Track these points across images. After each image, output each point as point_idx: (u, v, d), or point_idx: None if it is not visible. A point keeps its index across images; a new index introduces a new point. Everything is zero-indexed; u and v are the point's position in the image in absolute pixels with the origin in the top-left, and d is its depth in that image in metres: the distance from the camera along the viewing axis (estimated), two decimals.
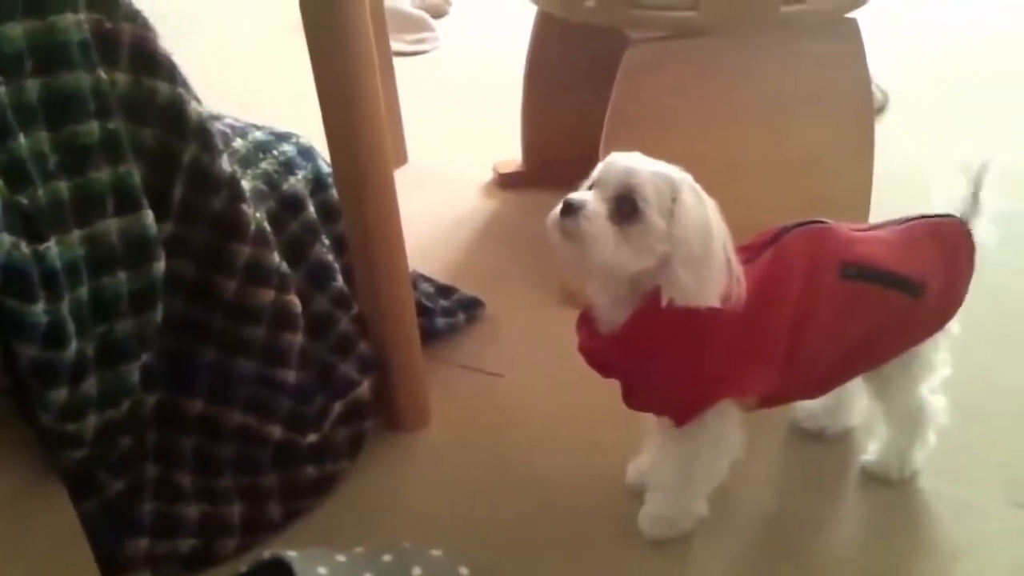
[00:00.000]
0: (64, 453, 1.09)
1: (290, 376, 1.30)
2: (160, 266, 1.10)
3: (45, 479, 1.09)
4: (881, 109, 2.53)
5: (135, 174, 1.06)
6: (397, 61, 2.29)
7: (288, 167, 1.37)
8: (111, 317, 1.07)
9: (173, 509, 1.22)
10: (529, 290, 1.82)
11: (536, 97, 2.11)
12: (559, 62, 2.03)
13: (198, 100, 1.14)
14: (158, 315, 1.12)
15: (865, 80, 1.69)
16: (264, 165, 1.33)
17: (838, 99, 1.70)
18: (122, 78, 1.05)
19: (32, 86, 0.96)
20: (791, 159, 1.69)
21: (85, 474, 1.14)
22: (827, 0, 1.58)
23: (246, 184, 1.23)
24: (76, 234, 1.01)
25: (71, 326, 1.01)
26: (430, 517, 1.31)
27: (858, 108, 1.72)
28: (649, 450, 1.30)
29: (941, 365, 1.24)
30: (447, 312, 1.70)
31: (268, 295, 1.24)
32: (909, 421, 1.28)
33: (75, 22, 0.99)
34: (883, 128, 2.03)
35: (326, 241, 1.41)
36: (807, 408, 1.41)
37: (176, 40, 1.15)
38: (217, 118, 1.30)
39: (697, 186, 1.05)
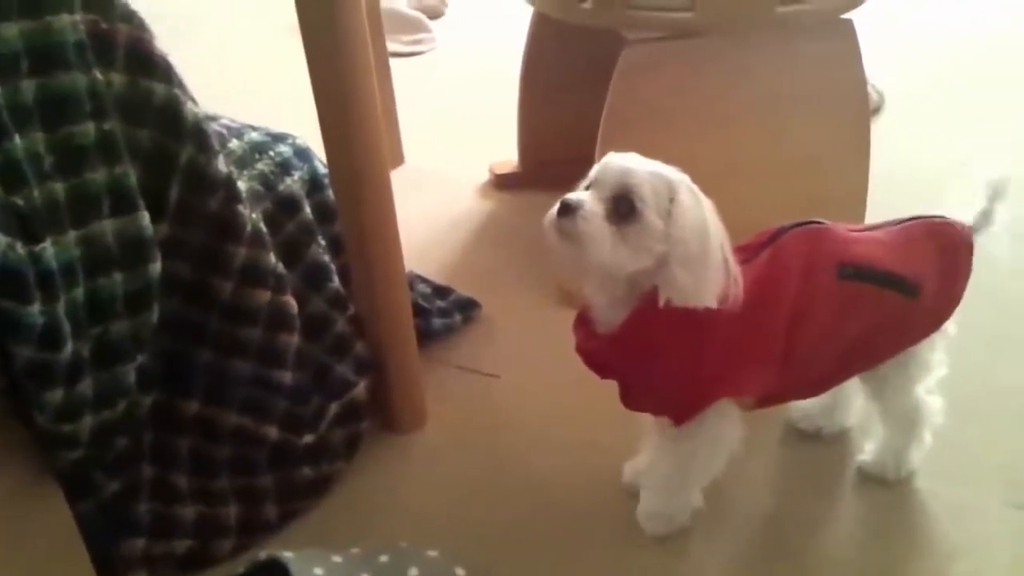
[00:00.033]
0: (60, 454, 1.08)
1: (286, 377, 1.29)
2: (156, 267, 1.10)
3: (41, 480, 1.09)
4: (877, 110, 2.53)
5: (131, 175, 1.06)
6: (393, 62, 2.29)
7: (284, 168, 1.36)
8: (107, 318, 1.07)
9: (169, 510, 1.22)
10: (525, 291, 1.82)
11: (532, 98, 2.12)
12: (555, 63, 2.03)
13: (194, 101, 1.14)
14: (154, 316, 1.12)
15: (861, 80, 1.69)
16: (260, 166, 1.33)
17: (834, 100, 1.70)
18: (118, 79, 1.05)
19: (28, 87, 0.96)
20: (787, 159, 1.69)
21: (81, 475, 1.13)
22: (823, 1, 1.59)
23: (242, 185, 1.23)
24: (72, 235, 1.01)
25: (67, 327, 1.00)
26: (426, 518, 1.31)
27: (854, 109, 1.72)
28: (646, 450, 1.30)
29: (937, 365, 1.24)
30: (443, 313, 1.70)
31: (264, 296, 1.23)
32: (905, 421, 1.28)
33: (71, 23, 0.99)
34: (879, 128, 2.04)
35: (322, 242, 1.41)
36: (803, 408, 1.41)
37: (173, 41, 1.15)
38: (213, 119, 1.29)
39: (694, 186, 1.05)
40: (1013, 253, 1.16)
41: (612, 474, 1.34)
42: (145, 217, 1.08)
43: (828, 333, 1.14)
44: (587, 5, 1.58)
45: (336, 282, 1.41)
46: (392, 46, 2.76)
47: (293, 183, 1.36)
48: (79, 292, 1.03)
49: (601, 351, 1.13)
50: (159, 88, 1.08)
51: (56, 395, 1.02)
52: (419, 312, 1.58)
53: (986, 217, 1.19)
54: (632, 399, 1.19)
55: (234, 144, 1.32)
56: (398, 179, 1.35)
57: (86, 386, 1.06)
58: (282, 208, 1.34)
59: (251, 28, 3.51)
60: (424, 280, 1.77)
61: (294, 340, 1.29)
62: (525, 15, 1.99)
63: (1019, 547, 1.23)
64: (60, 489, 1.09)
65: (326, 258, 1.40)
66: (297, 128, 1.46)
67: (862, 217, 1.71)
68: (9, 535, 1.04)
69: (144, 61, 1.07)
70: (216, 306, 1.21)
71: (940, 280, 1.16)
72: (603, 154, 1.08)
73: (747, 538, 1.27)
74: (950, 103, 2.64)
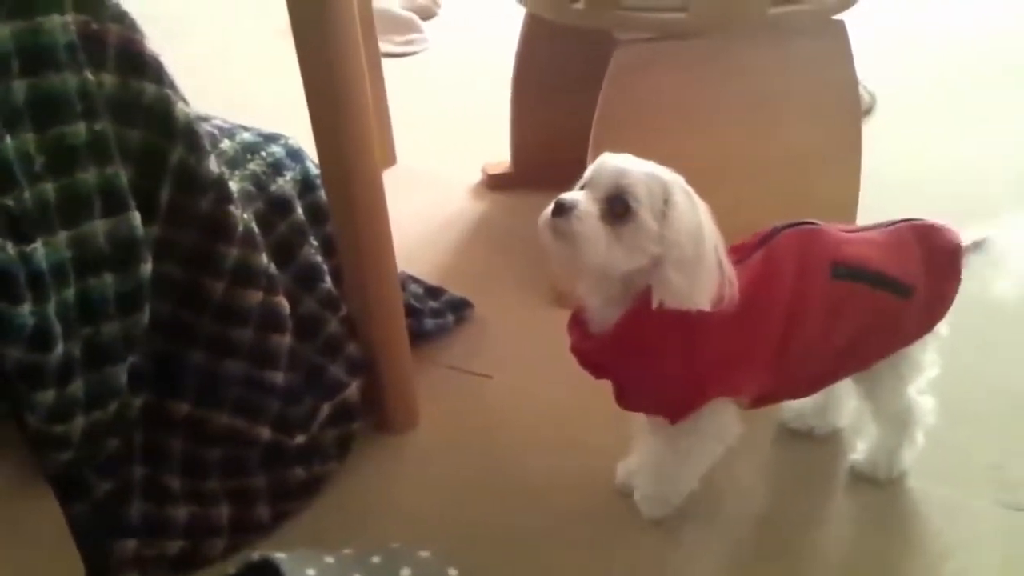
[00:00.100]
0: (51, 455, 1.08)
1: (278, 377, 1.29)
2: (147, 268, 1.10)
3: (33, 481, 1.09)
4: (868, 111, 2.54)
5: (122, 175, 1.06)
6: (386, 62, 2.29)
7: (276, 168, 1.36)
8: (98, 319, 1.06)
9: (161, 511, 1.22)
10: (518, 291, 1.82)
11: (525, 99, 2.11)
12: (548, 64, 2.03)
13: (185, 101, 1.13)
14: (145, 317, 1.12)
15: (852, 82, 1.69)
16: (252, 166, 1.33)
17: (826, 101, 1.70)
18: (109, 79, 1.05)
19: (19, 87, 0.96)
20: (779, 160, 1.69)
21: (73, 476, 1.13)
22: (815, 2, 1.59)
23: (234, 185, 1.23)
24: (63, 235, 1.01)
25: (58, 328, 1.00)
26: (419, 518, 1.31)
27: (846, 110, 1.72)
28: (638, 450, 1.30)
29: (929, 366, 1.24)
30: (436, 313, 1.70)
31: (256, 296, 1.23)
32: (897, 421, 1.28)
33: (62, 23, 0.99)
34: (871, 129, 2.04)
35: (314, 242, 1.41)
36: (795, 408, 1.41)
37: (165, 42, 1.15)
38: (205, 119, 1.29)
39: (689, 188, 1.05)
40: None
41: (605, 474, 1.34)
42: (136, 217, 1.08)
43: (822, 333, 1.14)
44: (579, 6, 1.58)
45: (328, 283, 1.41)
46: (384, 46, 2.76)
47: (285, 183, 1.36)
48: (70, 293, 1.03)
49: (595, 351, 1.13)
50: (150, 88, 1.08)
51: (47, 396, 1.02)
52: (411, 312, 1.58)
53: (978, 246, 1.19)
54: (627, 399, 1.19)
55: (226, 144, 1.32)
56: (390, 180, 1.35)
57: (77, 387, 1.06)
58: (274, 208, 1.33)
59: (244, 29, 3.51)
60: (416, 280, 1.77)
61: (286, 341, 1.29)
62: (517, 16, 1.99)
63: (1009, 546, 1.23)
64: (52, 490, 1.09)
65: (318, 259, 1.40)
66: (289, 129, 1.46)
67: (854, 218, 1.72)
68: (1, 536, 1.04)
69: (135, 61, 1.07)
70: (208, 307, 1.21)
71: (931, 281, 1.16)
72: (596, 155, 1.08)
73: (739, 537, 1.28)
74: (947, 104, 2.65)
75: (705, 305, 1.03)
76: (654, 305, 1.04)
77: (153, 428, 1.23)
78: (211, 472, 1.28)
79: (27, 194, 0.96)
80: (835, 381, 1.26)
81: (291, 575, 1.02)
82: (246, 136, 1.37)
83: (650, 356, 1.11)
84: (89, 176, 1.03)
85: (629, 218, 1.01)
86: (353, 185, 1.27)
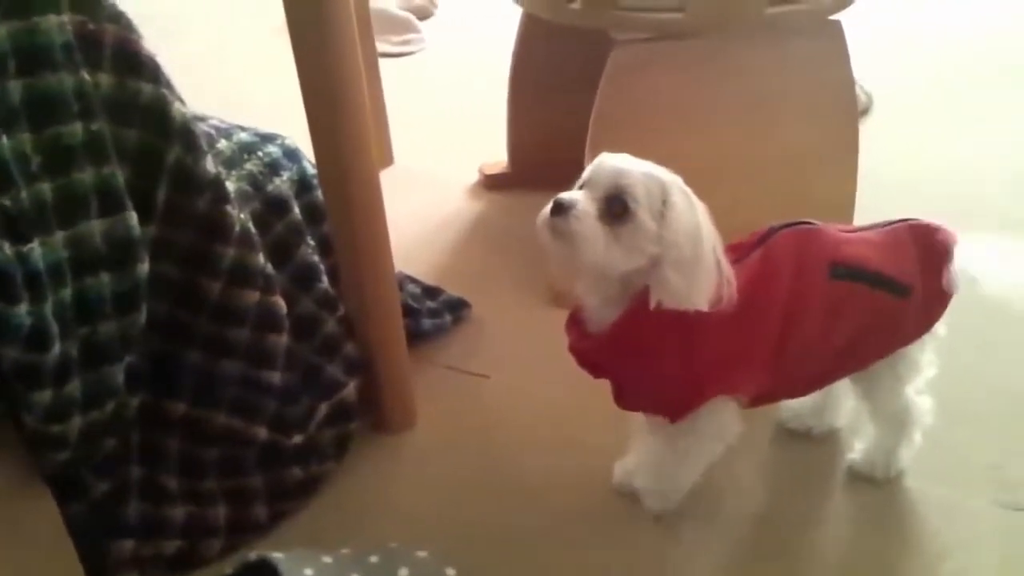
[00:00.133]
0: (48, 455, 1.08)
1: (275, 377, 1.29)
2: (144, 267, 1.10)
3: (30, 481, 1.09)
4: (865, 111, 2.53)
5: (119, 175, 1.06)
6: (383, 62, 2.29)
7: (273, 168, 1.36)
8: (95, 319, 1.06)
9: (158, 511, 1.22)
10: (515, 291, 1.82)
11: (522, 99, 2.11)
12: (545, 64, 2.03)
13: (182, 101, 1.13)
14: (142, 317, 1.12)
15: (849, 82, 1.69)
16: (249, 166, 1.33)
17: (823, 101, 1.70)
18: (105, 79, 1.05)
19: (15, 87, 0.96)
20: (776, 160, 1.69)
21: (70, 476, 1.13)
22: (812, 2, 1.59)
23: (231, 185, 1.23)
24: (59, 235, 1.01)
25: (54, 328, 1.00)
26: (417, 518, 1.31)
27: (842, 110, 1.72)
28: (635, 450, 1.30)
29: (927, 366, 1.24)
30: (433, 313, 1.70)
31: (253, 296, 1.23)
32: (895, 421, 1.28)
33: (58, 23, 0.99)
34: (868, 130, 2.04)
35: (311, 242, 1.41)
36: (793, 408, 1.41)
37: (162, 41, 1.15)
38: (202, 119, 1.29)
39: (687, 188, 1.05)
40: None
41: (602, 474, 1.34)
42: (133, 217, 1.08)
43: (820, 333, 1.14)
44: (576, 6, 1.58)
45: (325, 282, 1.41)
46: (381, 47, 2.76)
47: (282, 183, 1.36)
48: (67, 293, 1.03)
49: (593, 351, 1.13)
50: (146, 88, 1.08)
51: (44, 396, 1.02)
52: (409, 312, 1.58)
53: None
54: (625, 399, 1.19)
55: (222, 144, 1.32)
56: (387, 180, 1.34)
57: (74, 387, 1.06)
58: (271, 208, 1.33)
59: (240, 28, 3.51)
60: (414, 280, 1.77)
61: (283, 340, 1.29)
62: (514, 16, 1.99)
63: (1008, 546, 1.23)
64: (49, 490, 1.09)
65: (315, 258, 1.40)
66: (286, 129, 1.46)
67: (851, 218, 1.72)
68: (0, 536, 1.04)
69: (131, 61, 1.07)
70: (204, 307, 1.21)
71: (928, 281, 1.16)
72: (593, 155, 1.08)
73: (737, 537, 1.28)
74: (944, 104, 2.65)
75: (703, 306, 1.03)
76: (652, 305, 1.04)
77: (150, 428, 1.23)
78: (208, 472, 1.28)
79: (24, 194, 0.96)
80: (833, 381, 1.26)
81: (289, 575, 1.02)
82: (243, 136, 1.37)
83: (648, 356, 1.11)
84: (86, 176, 1.03)
85: (627, 218, 1.01)
86: (350, 185, 1.27)
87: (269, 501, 1.30)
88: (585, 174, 1.07)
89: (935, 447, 1.32)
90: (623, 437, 1.32)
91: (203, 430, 1.26)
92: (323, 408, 1.37)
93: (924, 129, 2.48)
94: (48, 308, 0.99)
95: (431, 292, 1.76)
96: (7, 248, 0.94)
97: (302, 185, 1.41)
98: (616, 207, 1.02)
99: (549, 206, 1.02)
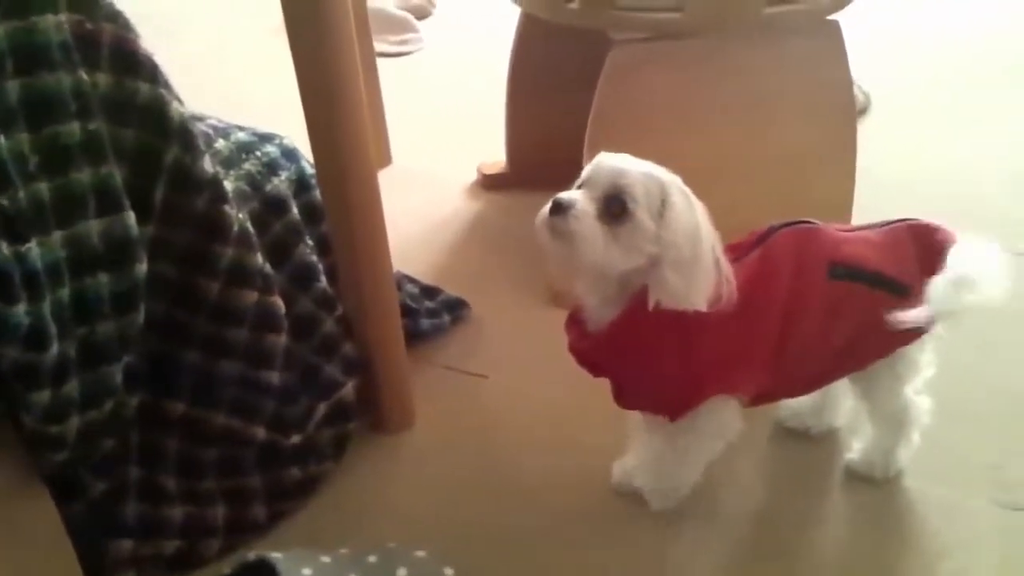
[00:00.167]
0: (47, 455, 1.08)
1: (274, 377, 1.29)
2: (142, 267, 1.10)
3: (29, 481, 1.09)
4: (863, 111, 2.53)
5: (116, 175, 1.06)
6: (380, 62, 2.28)
7: (271, 168, 1.36)
8: (93, 319, 1.06)
9: (157, 511, 1.22)
10: (514, 291, 1.82)
11: (520, 98, 2.11)
12: (543, 63, 2.03)
13: (180, 101, 1.13)
14: (140, 316, 1.12)
15: (847, 81, 1.69)
16: (247, 166, 1.33)
17: (821, 101, 1.70)
18: (103, 79, 1.05)
19: (12, 87, 0.96)
20: (774, 160, 1.69)
21: (69, 476, 1.13)
22: (810, 2, 1.59)
23: (229, 185, 1.23)
24: (57, 235, 1.01)
25: (53, 327, 1.00)
26: (415, 518, 1.31)
27: (840, 110, 1.72)
28: (635, 449, 1.30)
29: (926, 366, 1.24)
30: (432, 313, 1.69)
31: (251, 296, 1.23)
32: (894, 421, 1.28)
33: (56, 23, 0.99)
34: (866, 130, 2.04)
35: (310, 242, 1.40)
36: (791, 407, 1.41)
37: (160, 41, 1.15)
38: (200, 119, 1.29)
39: (686, 188, 1.05)
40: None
41: (601, 474, 1.34)
42: (131, 217, 1.08)
43: (819, 332, 1.14)
44: (574, 5, 1.58)
45: (324, 282, 1.41)
46: (379, 46, 2.76)
47: (280, 183, 1.36)
48: (65, 292, 1.03)
49: (593, 350, 1.14)
50: (144, 88, 1.08)
51: (43, 396, 1.02)
52: (407, 312, 1.58)
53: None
54: (625, 398, 1.19)
55: (220, 144, 1.32)
56: (386, 179, 1.34)
57: (72, 387, 1.06)
58: (269, 208, 1.33)
59: (238, 28, 3.50)
60: (412, 280, 1.77)
61: (281, 340, 1.29)
62: (513, 15, 1.99)
63: (1007, 546, 1.23)
64: (48, 490, 1.09)
65: (313, 258, 1.40)
66: (285, 129, 1.46)
67: (848, 218, 1.72)
68: None
69: (129, 61, 1.07)
70: (203, 307, 1.21)
71: (928, 281, 1.16)
72: (591, 154, 1.08)
73: (736, 536, 1.28)
74: (942, 104, 2.64)
75: (701, 306, 1.03)
76: (650, 305, 1.04)
77: (149, 428, 1.22)
78: (207, 472, 1.28)
79: (22, 194, 0.96)
80: (833, 380, 1.26)
81: (287, 575, 1.02)
82: (241, 136, 1.37)
83: (647, 355, 1.11)
84: (83, 176, 1.03)
85: (626, 218, 1.02)
86: (348, 184, 1.27)
87: (268, 501, 1.30)
88: (584, 174, 1.07)
89: (934, 447, 1.32)
90: (622, 437, 1.32)
91: (202, 430, 1.26)
92: (321, 408, 1.37)
93: (922, 129, 2.48)
94: (46, 308, 0.99)
95: (429, 292, 1.76)
96: (5, 248, 0.94)
97: (300, 185, 1.41)
98: (615, 207, 1.02)
99: (548, 206, 1.02)
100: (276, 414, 1.31)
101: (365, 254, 1.33)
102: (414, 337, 1.58)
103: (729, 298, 1.04)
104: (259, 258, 1.24)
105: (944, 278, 1.08)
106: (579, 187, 1.06)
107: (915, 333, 1.19)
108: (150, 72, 1.09)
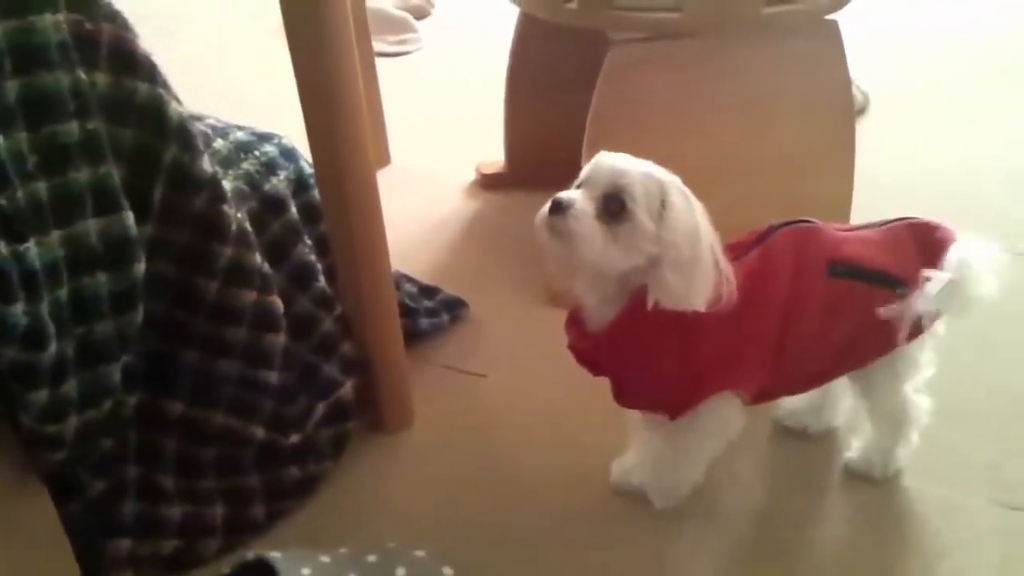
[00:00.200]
0: (45, 454, 1.08)
1: (273, 377, 1.29)
2: (140, 267, 1.10)
3: (27, 481, 1.09)
4: (862, 111, 2.54)
5: (115, 175, 1.06)
6: (379, 62, 2.28)
7: (270, 168, 1.36)
8: (91, 318, 1.06)
9: (155, 510, 1.21)
10: (513, 291, 1.82)
11: (519, 98, 2.11)
12: (542, 63, 2.03)
13: (178, 100, 1.13)
14: (139, 316, 1.11)
15: (846, 81, 1.69)
16: (246, 166, 1.33)
17: (819, 101, 1.70)
18: (102, 78, 1.04)
19: (11, 87, 0.96)
20: (772, 160, 1.69)
21: (67, 475, 1.13)
22: (809, 2, 1.59)
23: (227, 185, 1.23)
24: (56, 235, 1.01)
25: (51, 327, 1.00)
26: (414, 518, 1.31)
27: (839, 110, 1.72)
28: (634, 448, 1.30)
29: (926, 365, 1.24)
30: (431, 313, 1.69)
31: (250, 296, 1.23)
32: (893, 420, 1.28)
33: (54, 22, 0.99)
34: (864, 130, 2.04)
35: (308, 242, 1.40)
36: (790, 406, 1.41)
37: (159, 41, 1.15)
38: (198, 118, 1.29)
39: (685, 188, 1.05)
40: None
41: (600, 473, 1.34)
42: (129, 217, 1.08)
43: (819, 331, 1.14)
44: (573, 5, 1.58)
45: (322, 282, 1.41)
46: (378, 46, 2.76)
47: (279, 183, 1.36)
48: (63, 292, 1.02)
49: (592, 350, 1.14)
50: (143, 87, 1.08)
51: (41, 395, 1.02)
52: (406, 312, 1.58)
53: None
54: (625, 397, 1.19)
55: (219, 144, 1.32)
56: (384, 179, 1.34)
57: (71, 386, 1.05)
58: (268, 208, 1.33)
59: (237, 28, 3.50)
60: (411, 280, 1.77)
61: (280, 340, 1.29)
62: (511, 15, 1.99)
63: (1007, 546, 1.23)
64: (46, 490, 1.08)
65: (312, 258, 1.40)
66: (283, 128, 1.46)
67: (847, 217, 1.72)
68: None
69: (127, 60, 1.07)
70: (201, 306, 1.21)
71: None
72: (590, 154, 1.08)
73: (735, 536, 1.27)
74: (940, 104, 2.65)
75: (701, 306, 1.03)
76: (649, 305, 1.04)
77: (147, 427, 1.22)
78: (205, 471, 1.28)
79: (20, 193, 0.96)
80: (833, 378, 1.26)
81: (286, 574, 1.02)
82: (239, 135, 1.37)
83: (646, 354, 1.11)
84: (82, 175, 1.03)
85: (625, 217, 1.01)
86: (347, 184, 1.27)
87: (266, 501, 1.29)
88: (583, 173, 1.07)
89: (934, 446, 1.32)
90: (621, 436, 1.32)
91: (200, 430, 1.26)
92: (320, 408, 1.36)
93: (920, 129, 2.49)
94: (44, 307, 0.99)
95: (428, 291, 1.76)
96: (3, 247, 0.93)
97: (299, 184, 1.40)
98: (614, 206, 1.02)
99: (547, 205, 1.02)
100: (275, 414, 1.31)
101: (364, 253, 1.33)
102: (413, 336, 1.58)
103: (729, 298, 1.04)
104: (258, 258, 1.24)
105: (940, 273, 1.08)
106: (578, 187, 1.06)
107: (914, 332, 1.19)
108: (149, 72, 1.09)
